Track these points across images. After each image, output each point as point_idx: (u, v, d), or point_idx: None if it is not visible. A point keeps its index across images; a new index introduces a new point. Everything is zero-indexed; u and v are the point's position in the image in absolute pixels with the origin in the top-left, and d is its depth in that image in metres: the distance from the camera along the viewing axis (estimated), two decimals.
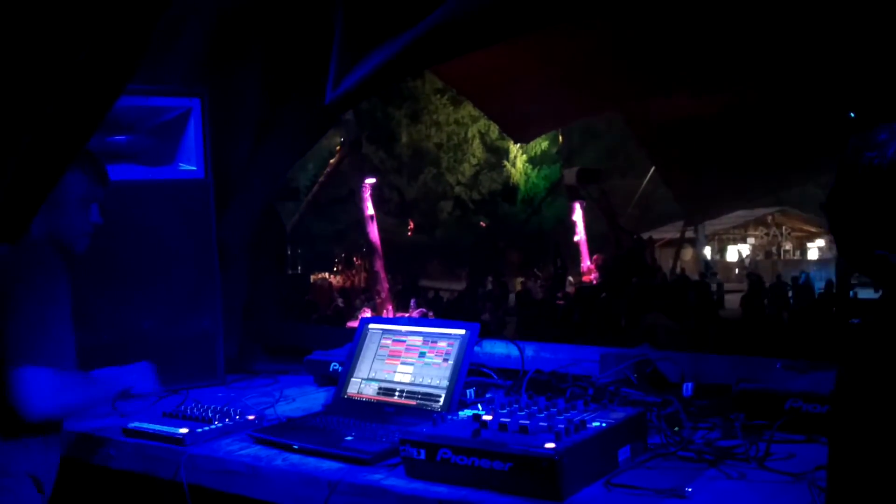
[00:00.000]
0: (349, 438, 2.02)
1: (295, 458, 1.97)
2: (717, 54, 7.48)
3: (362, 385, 2.38)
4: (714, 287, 17.57)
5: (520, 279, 19.13)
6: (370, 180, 19.46)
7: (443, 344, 2.31)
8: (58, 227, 2.12)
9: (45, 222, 2.08)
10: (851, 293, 12.94)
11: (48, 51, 1.64)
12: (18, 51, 1.64)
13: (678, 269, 18.35)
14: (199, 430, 2.15)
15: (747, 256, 31.96)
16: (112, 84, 1.74)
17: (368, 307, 15.21)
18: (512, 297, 17.26)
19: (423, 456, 1.75)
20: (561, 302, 14.21)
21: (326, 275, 24.98)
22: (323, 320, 13.30)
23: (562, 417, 1.82)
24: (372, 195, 19.09)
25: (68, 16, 1.61)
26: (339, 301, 16.12)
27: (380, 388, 2.34)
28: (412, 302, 15.48)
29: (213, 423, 2.19)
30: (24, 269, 1.95)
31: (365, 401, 2.35)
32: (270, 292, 3.88)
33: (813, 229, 31.90)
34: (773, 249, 32.81)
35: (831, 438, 1.22)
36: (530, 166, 25.92)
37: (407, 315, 13.57)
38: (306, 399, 2.64)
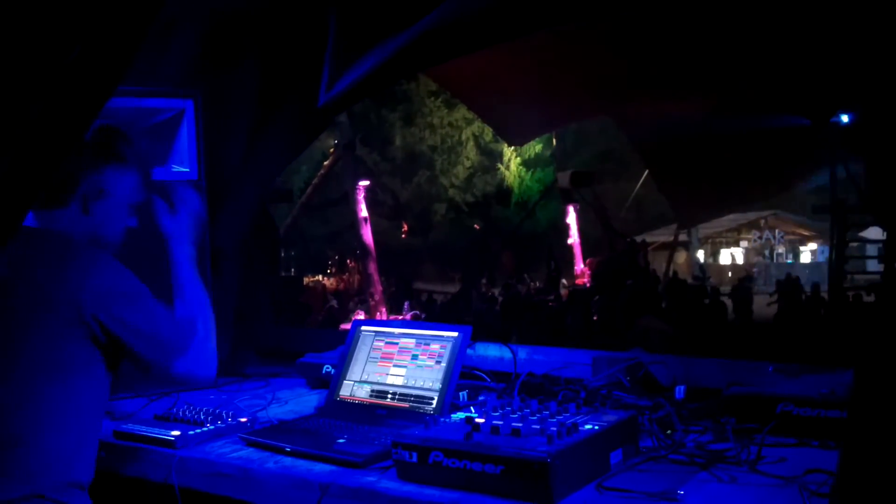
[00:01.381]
0: (341, 441, 2.02)
1: (287, 461, 1.97)
2: (710, 57, 7.50)
3: (355, 387, 2.38)
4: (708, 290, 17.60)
5: (507, 283, 19.11)
6: (364, 182, 19.48)
7: (435, 346, 2.30)
8: (100, 233, 2.05)
9: (85, 227, 2.02)
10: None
11: (38, 49, 1.64)
12: (8, 48, 1.63)
13: (671, 273, 18.37)
14: (191, 432, 2.14)
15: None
16: (104, 83, 1.73)
17: (362, 309, 15.20)
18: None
19: (415, 459, 1.75)
20: (552, 304, 14.22)
21: (320, 277, 24.96)
22: (316, 323, 13.29)
23: (554, 420, 1.82)
24: (365, 197, 19.11)
25: (59, 13, 1.61)
26: (333, 302, 16.10)
27: (372, 391, 2.34)
28: (405, 304, 15.48)
29: (204, 426, 2.19)
30: (98, 276, 1.92)
31: (357, 403, 2.34)
32: (263, 294, 3.87)
33: (806, 232, 32.02)
34: (766, 253, 32.91)
35: (846, 441, 1.21)
36: (524, 169, 25.94)
37: (400, 317, 13.57)
38: (298, 402, 2.64)
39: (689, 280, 18.05)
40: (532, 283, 18.31)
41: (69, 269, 1.91)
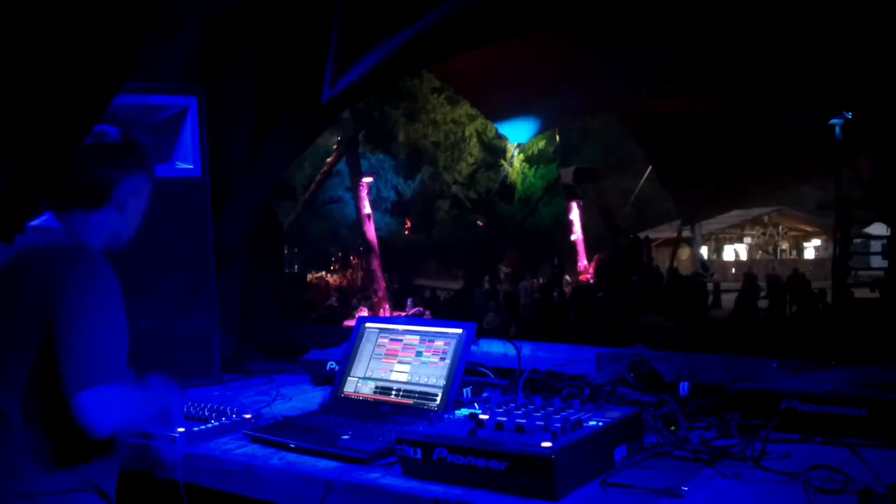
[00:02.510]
0: (346, 437, 2.02)
1: (291, 457, 1.97)
2: (715, 55, 7.49)
3: (359, 384, 2.38)
4: (710, 286, 17.60)
5: (506, 271, 19.07)
6: (367, 179, 19.47)
7: (439, 343, 2.31)
8: (123, 233, 2.11)
9: (114, 227, 2.07)
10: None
11: (45, 46, 1.64)
12: (14, 46, 1.63)
13: (673, 268, 18.35)
14: (196, 429, 2.15)
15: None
16: (110, 80, 1.73)
17: (365, 306, 15.20)
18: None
19: (419, 455, 1.75)
20: (554, 300, 14.19)
21: (323, 274, 24.97)
22: (318, 319, 13.28)
23: (558, 417, 1.82)
24: (369, 194, 19.09)
25: (66, 10, 1.61)
26: (334, 299, 16.09)
27: (376, 388, 2.34)
28: (409, 301, 15.48)
29: (209, 423, 2.19)
30: (79, 282, 1.89)
31: (361, 400, 2.35)
32: (267, 291, 3.88)
33: (809, 228, 31.94)
34: (770, 249, 32.85)
35: None
36: (527, 165, 25.92)
37: (403, 314, 13.57)
38: (303, 398, 2.64)
39: (692, 276, 18.02)
40: (535, 280, 18.30)
41: (56, 266, 1.91)
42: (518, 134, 13.25)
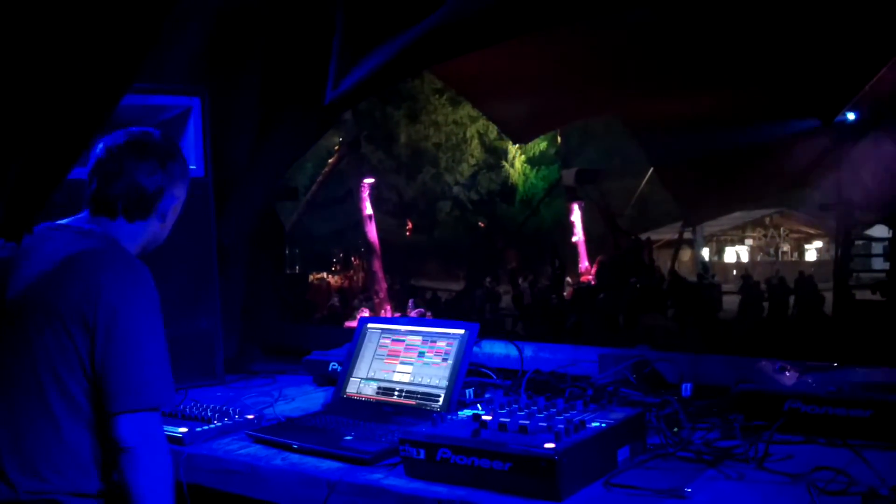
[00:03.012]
0: (348, 438, 2.02)
1: (294, 458, 1.97)
2: (716, 54, 7.49)
3: (361, 385, 2.38)
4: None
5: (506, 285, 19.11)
6: (369, 180, 19.48)
7: (442, 343, 2.31)
8: (155, 240, 2.08)
9: (154, 234, 2.06)
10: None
11: (54, 48, 1.64)
12: (24, 49, 1.63)
13: (674, 271, 18.35)
14: (199, 429, 2.15)
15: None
16: (118, 82, 1.73)
17: (366, 307, 15.20)
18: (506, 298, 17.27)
19: (422, 456, 1.75)
20: (555, 302, 14.19)
21: (325, 275, 24.97)
22: (321, 321, 13.29)
23: (561, 417, 1.82)
24: (370, 195, 19.10)
25: (74, 13, 1.61)
26: (335, 299, 16.09)
27: (379, 388, 2.34)
28: (410, 302, 15.47)
29: (212, 423, 2.19)
30: (131, 290, 1.86)
31: (364, 400, 2.35)
32: (269, 292, 3.88)
33: (811, 230, 31.91)
34: (771, 251, 32.83)
35: None
36: (529, 167, 25.92)
37: (405, 315, 13.57)
38: (305, 399, 2.64)
39: (694, 278, 18.02)
40: (527, 278, 18.30)
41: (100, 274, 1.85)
42: (519, 135, 13.24)
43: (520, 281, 17.53)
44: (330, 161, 20.32)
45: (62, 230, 1.99)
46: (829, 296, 12.53)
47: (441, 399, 2.21)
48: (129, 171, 1.97)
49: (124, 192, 1.97)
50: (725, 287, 20.36)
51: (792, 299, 15.50)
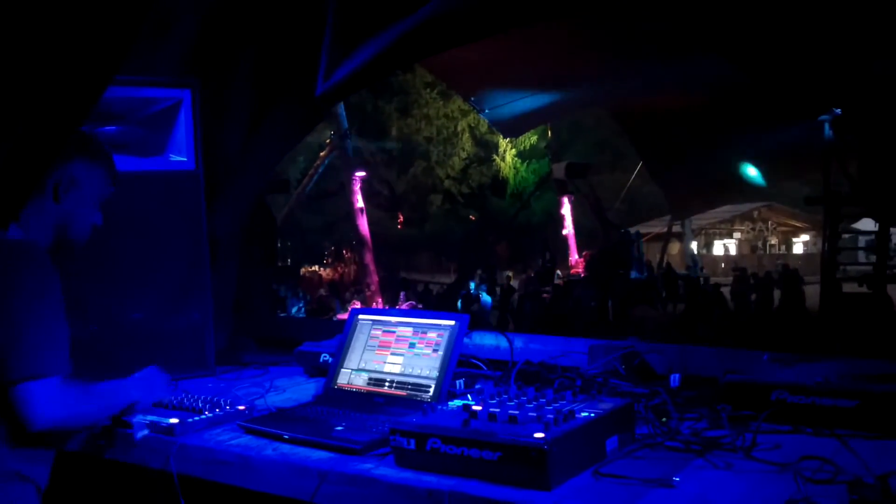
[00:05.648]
0: (339, 428, 2.03)
1: (285, 448, 1.98)
2: (705, 50, 7.50)
3: (352, 376, 2.39)
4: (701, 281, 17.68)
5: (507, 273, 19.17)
6: (360, 173, 19.46)
7: (433, 335, 2.32)
8: (70, 225, 2.10)
9: (56, 219, 2.07)
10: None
11: (36, 37, 1.64)
12: (5, 41, 1.63)
13: (664, 264, 18.43)
14: (190, 420, 2.15)
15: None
16: (102, 71, 1.73)
17: (358, 300, 15.20)
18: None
19: (412, 445, 1.76)
20: (546, 295, 14.24)
21: (316, 268, 24.94)
22: (308, 312, 13.29)
23: (550, 408, 1.83)
24: (362, 188, 19.09)
25: (54, 3, 1.61)
26: (323, 290, 16.07)
27: (370, 379, 2.35)
28: (401, 295, 15.48)
29: (203, 414, 2.19)
30: (12, 271, 1.90)
31: (355, 391, 2.36)
32: (260, 284, 3.88)
33: (798, 224, 32.08)
34: (759, 244, 32.98)
35: None
36: (519, 160, 25.94)
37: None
38: (296, 390, 2.64)
39: (683, 271, 18.11)
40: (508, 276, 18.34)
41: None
42: (510, 129, 13.26)
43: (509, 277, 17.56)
44: (321, 154, 20.28)
45: None
46: (815, 288, 12.62)
47: (431, 390, 2.22)
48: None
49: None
50: (714, 279, 20.46)
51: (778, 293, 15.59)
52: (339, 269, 24.01)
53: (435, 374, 2.24)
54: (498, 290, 17.23)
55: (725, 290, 16.53)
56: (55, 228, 2.08)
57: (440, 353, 2.27)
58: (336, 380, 2.41)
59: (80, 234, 2.15)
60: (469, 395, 2.01)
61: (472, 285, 16.14)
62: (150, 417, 2.18)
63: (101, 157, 2.18)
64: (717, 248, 34.15)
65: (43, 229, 2.06)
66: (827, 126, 10.63)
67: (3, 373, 1.84)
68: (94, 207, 2.18)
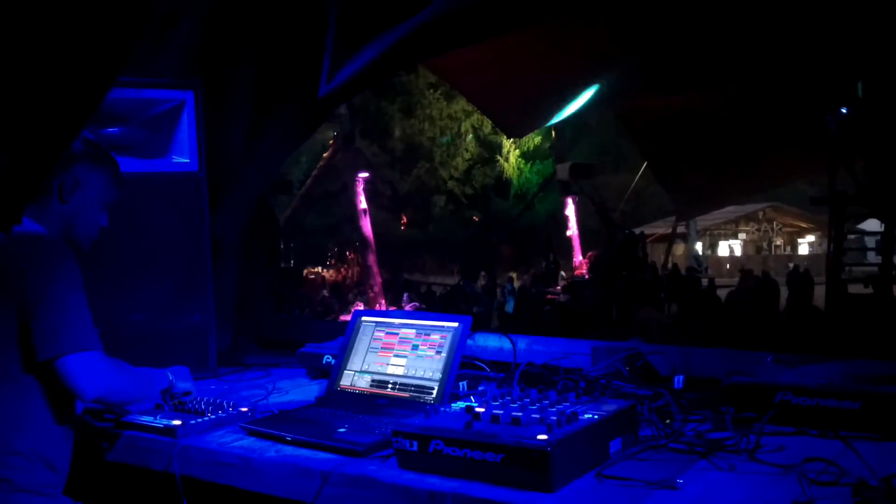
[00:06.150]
0: (342, 430, 2.03)
1: (288, 450, 1.97)
2: (711, 51, 7.50)
3: (355, 377, 2.39)
4: (705, 282, 17.63)
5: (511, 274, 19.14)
6: (363, 174, 19.48)
7: (436, 336, 2.31)
8: (75, 224, 2.18)
9: (62, 218, 2.14)
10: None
11: (38, 38, 1.64)
12: (6, 42, 1.63)
13: (669, 265, 18.40)
14: (192, 422, 2.15)
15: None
16: (105, 73, 1.73)
17: (361, 301, 15.21)
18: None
19: (415, 447, 1.76)
20: (551, 297, 14.23)
21: (319, 269, 24.96)
22: (311, 314, 13.31)
23: (553, 409, 1.83)
24: (365, 189, 19.10)
25: (56, 6, 1.61)
26: (325, 291, 16.07)
27: (373, 381, 2.35)
28: (405, 296, 15.49)
29: (205, 415, 2.19)
30: (47, 260, 1.99)
31: (358, 393, 2.35)
32: (263, 286, 3.88)
33: (804, 224, 32.02)
34: (764, 245, 32.93)
35: None
36: (523, 161, 25.93)
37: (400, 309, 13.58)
38: (299, 391, 2.64)
39: (685, 272, 18.06)
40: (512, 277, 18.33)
41: (24, 260, 1.99)
42: (514, 130, 13.25)
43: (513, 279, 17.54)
44: (324, 155, 20.31)
45: None
46: (820, 289, 12.57)
47: (434, 391, 2.22)
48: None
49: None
50: (719, 281, 20.41)
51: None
52: (342, 270, 24.02)
53: (438, 375, 2.24)
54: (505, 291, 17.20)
55: (723, 292, 16.51)
56: (62, 227, 2.14)
57: (443, 354, 2.27)
58: (339, 381, 2.41)
59: (87, 233, 2.22)
60: (472, 397, 2.00)
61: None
62: (153, 419, 2.18)
63: (104, 161, 2.24)
64: (723, 249, 34.09)
65: (50, 227, 2.11)
66: (833, 126, 10.60)
67: (54, 348, 1.94)
68: (100, 210, 2.24)
